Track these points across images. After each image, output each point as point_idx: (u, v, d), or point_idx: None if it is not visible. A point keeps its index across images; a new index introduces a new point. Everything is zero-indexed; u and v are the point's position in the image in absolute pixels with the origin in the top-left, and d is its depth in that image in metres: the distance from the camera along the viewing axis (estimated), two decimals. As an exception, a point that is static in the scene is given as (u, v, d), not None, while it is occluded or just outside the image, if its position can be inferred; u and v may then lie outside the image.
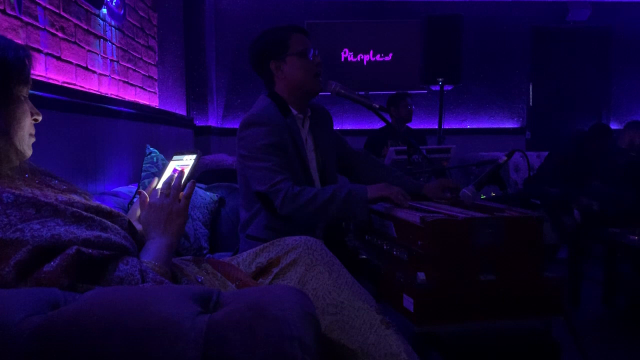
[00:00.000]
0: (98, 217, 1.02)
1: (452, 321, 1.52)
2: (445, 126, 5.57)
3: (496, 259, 1.53)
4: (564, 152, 4.17)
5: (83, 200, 1.06)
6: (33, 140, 1.13)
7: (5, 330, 0.68)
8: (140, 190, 1.23)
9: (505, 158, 1.98)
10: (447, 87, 5.03)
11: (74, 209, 0.99)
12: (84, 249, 0.93)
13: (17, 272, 0.88)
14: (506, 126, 6.20)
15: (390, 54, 5.84)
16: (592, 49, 6.27)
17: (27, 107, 1.11)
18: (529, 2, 6.03)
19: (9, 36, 1.83)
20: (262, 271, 1.31)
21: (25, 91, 1.09)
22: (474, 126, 6.16)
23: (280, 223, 1.87)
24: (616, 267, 3.18)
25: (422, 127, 5.76)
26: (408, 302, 1.53)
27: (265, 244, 1.35)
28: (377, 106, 2.06)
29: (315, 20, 5.63)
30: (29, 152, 1.12)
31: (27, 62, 1.08)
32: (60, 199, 1.00)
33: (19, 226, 0.91)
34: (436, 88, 5.05)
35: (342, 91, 2.02)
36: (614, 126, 6.17)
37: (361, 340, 1.16)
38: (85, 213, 1.00)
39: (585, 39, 6.25)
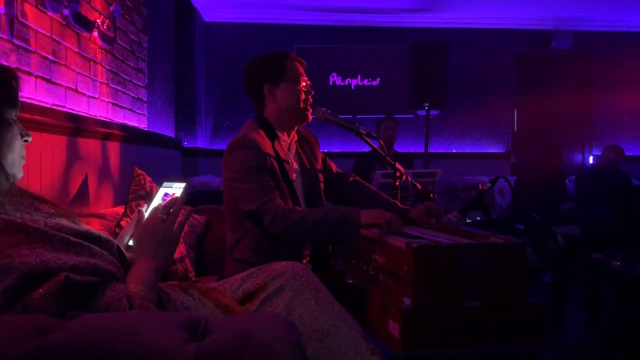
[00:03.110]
0: (87, 243, 1.02)
1: (437, 347, 1.53)
2: (432, 150, 5.64)
3: (480, 285, 1.55)
4: (526, 175, 4.28)
5: (72, 225, 1.06)
6: (24, 162, 1.13)
7: (-6, 358, 0.69)
8: (140, 208, 1.23)
9: (489, 185, 2.01)
10: (433, 112, 5.10)
11: (63, 235, 1.00)
12: (72, 276, 0.93)
13: (6, 299, 0.88)
14: (491, 151, 6.29)
15: (378, 79, 5.92)
16: (574, 76, 6.41)
17: (17, 129, 1.11)
18: (513, 30, 6.17)
19: (0, 60, 1.85)
20: (248, 296, 1.32)
21: (14, 114, 1.09)
22: (460, 150, 6.24)
23: (267, 246, 1.88)
24: (600, 291, 3.21)
25: (408, 150, 5.82)
26: (393, 328, 1.54)
27: (252, 270, 1.36)
28: (365, 132, 2.10)
29: (303, 44, 5.71)
30: (19, 175, 1.12)
31: (13, 83, 1.08)
32: (49, 224, 1.00)
33: (8, 252, 0.92)
34: (422, 113, 5.13)
35: (330, 117, 2.06)
36: (596, 151, 6.29)
37: (347, 367, 1.17)
38: (73, 239, 1.01)
39: (568, 66, 6.39)
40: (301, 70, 2.00)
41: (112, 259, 1.07)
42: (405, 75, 5.61)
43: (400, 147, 5.27)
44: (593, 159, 6.31)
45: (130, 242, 1.23)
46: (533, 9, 5.81)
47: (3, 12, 1.86)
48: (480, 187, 2.02)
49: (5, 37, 1.89)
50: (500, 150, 6.31)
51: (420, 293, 1.52)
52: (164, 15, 4.40)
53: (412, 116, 5.89)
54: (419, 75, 5.04)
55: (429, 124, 5.05)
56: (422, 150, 5.19)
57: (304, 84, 1.98)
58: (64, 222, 1.08)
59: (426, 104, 4.98)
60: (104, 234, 1.11)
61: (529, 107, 6.36)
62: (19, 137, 1.11)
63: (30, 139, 1.14)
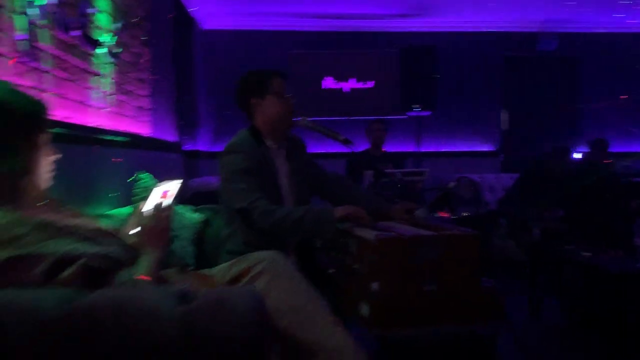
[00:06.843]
0: (100, 237, 1.29)
1: (403, 326, 1.74)
2: (423, 149, 5.86)
3: (437, 271, 1.77)
4: (526, 174, 4.44)
5: (89, 224, 1.32)
6: (52, 174, 1.40)
7: (40, 313, 0.97)
8: (138, 207, 1.49)
9: (455, 183, 2.26)
10: (424, 113, 5.30)
11: (82, 231, 1.26)
12: (90, 261, 1.19)
13: (43, 277, 1.14)
14: (481, 149, 6.50)
15: (370, 82, 6.13)
16: (560, 77, 6.63)
17: (48, 150, 1.38)
18: (500, 33, 6.37)
19: (18, 80, 2.10)
20: (234, 280, 1.58)
21: (46, 138, 1.36)
22: (451, 149, 6.45)
23: (256, 239, 2.10)
24: (573, 283, 3.37)
25: (402, 150, 6.03)
26: (364, 310, 1.77)
27: (238, 258, 1.63)
28: (343, 138, 2.34)
29: (297, 50, 5.91)
30: (48, 184, 1.38)
31: (45, 112, 1.35)
32: (71, 223, 1.27)
33: (42, 244, 1.18)
34: (414, 114, 5.33)
35: (310, 124, 2.32)
36: (583, 150, 6.49)
37: (315, 337, 1.42)
38: (90, 234, 1.27)
39: (554, 67, 6.61)
40: (284, 84, 2.26)
41: (120, 249, 1.33)
42: (396, 78, 5.83)
43: (393, 147, 5.48)
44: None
45: (131, 232, 1.49)
46: (518, 12, 6.01)
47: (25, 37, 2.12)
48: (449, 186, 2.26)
49: (22, 60, 2.14)
50: (490, 149, 6.52)
51: (387, 278, 1.74)
52: (164, 27, 4.63)
53: (406, 117, 6.11)
54: (409, 79, 5.25)
55: (420, 124, 5.25)
56: (415, 150, 5.40)
57: (286, 95, 2.25)
58: (82, 221, 1.34)
59: (416, 106, 5.19)
60: (113, 230, 1.37)
61: (517, 108, 6.57)
62: (49, 155, 1.38)
63: (58, 157, 1.41)
